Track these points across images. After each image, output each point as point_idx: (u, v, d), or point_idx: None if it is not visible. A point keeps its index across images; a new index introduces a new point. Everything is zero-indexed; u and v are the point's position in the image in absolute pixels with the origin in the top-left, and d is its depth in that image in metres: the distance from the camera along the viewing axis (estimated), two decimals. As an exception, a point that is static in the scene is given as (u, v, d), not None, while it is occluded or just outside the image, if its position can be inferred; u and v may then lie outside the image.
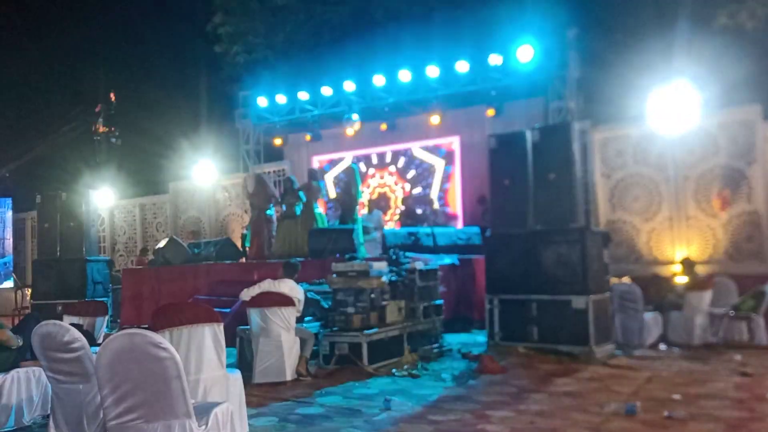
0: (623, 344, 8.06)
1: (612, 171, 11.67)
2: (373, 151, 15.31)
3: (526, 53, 12.47)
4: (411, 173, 14.93)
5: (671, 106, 10.71)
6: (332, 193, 15.48)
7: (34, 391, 5.43)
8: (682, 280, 9.23)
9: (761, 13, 12.81)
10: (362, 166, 15.27)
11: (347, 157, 15.57)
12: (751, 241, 10.49)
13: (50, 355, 4.42)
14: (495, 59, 12.95)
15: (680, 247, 10.91)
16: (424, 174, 14.79)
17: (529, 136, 8.10)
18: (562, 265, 7.67)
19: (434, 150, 14.66)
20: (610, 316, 7.94)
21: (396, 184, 15.09)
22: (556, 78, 12.55)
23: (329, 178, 15.76)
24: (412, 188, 14.88)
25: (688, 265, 9.24)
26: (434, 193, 14.57)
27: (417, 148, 14.84)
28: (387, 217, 14.43)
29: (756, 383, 6.07)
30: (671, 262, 10.81)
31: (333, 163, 15.96)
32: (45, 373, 4.70)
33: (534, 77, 12.81)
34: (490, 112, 13.39)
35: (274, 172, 16.01)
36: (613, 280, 8.59)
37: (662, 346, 8.16)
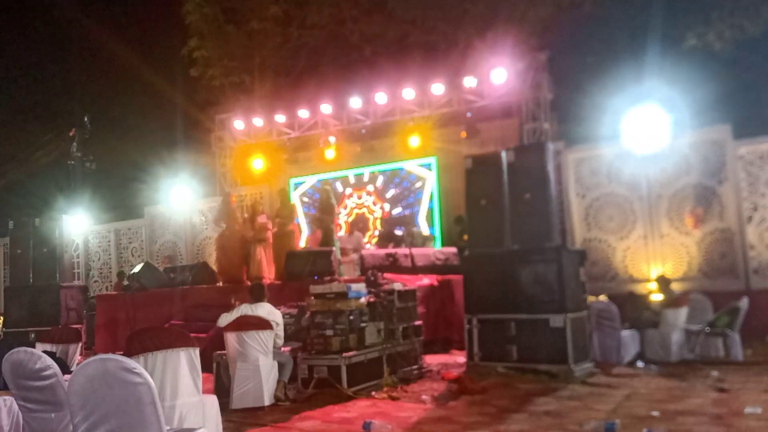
0: (601, 362, 8.08)
1: (587, 190, 11.79)
2: (350, 173, 15.32)
3: (499, 76, 12.66)
4: (391, 193, 14.89)
5: (643, 126, 10.91)
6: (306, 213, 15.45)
7: (4, 421, 5.26)
8: (657, 297, 9.29)
9: (728, 35, 13.15)
10: (339, 186, 15.24)
11: (322, 178, 15.55)
12: (724, 258, 10.64)
13: (21, 384, 4.32)
14: (469, 82, 13.15)
15: (655, 265, 11.03)
16: (405, 193, 14.74)
17: (504, 157, 8.15)
18: (540, 284, 7.68)
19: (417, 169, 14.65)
20: (587, 334, 7.97)
21: (374, 204, 15.06)
22: (530, 100, 12.76)
23: (299, 197, 15.71)
24: (391, 208, 14.85)
25: (663, 282, 9.32)
26: (423, 212, 14.39)
27: (407, 165, 14.75)
28: (366, 239, 14.39)
29: (733, 398, 6.11)
30: (647, 280, 10.93)
31: (310, 185, 15.90)
32: (16, 402, 4.59)
33: (508, 99, 13.00)
34: (464, 134, 13.54)
35: (251, 195, 15.94)
36: (590, 299, 8.63)
37: (640, 364, 8.18)
